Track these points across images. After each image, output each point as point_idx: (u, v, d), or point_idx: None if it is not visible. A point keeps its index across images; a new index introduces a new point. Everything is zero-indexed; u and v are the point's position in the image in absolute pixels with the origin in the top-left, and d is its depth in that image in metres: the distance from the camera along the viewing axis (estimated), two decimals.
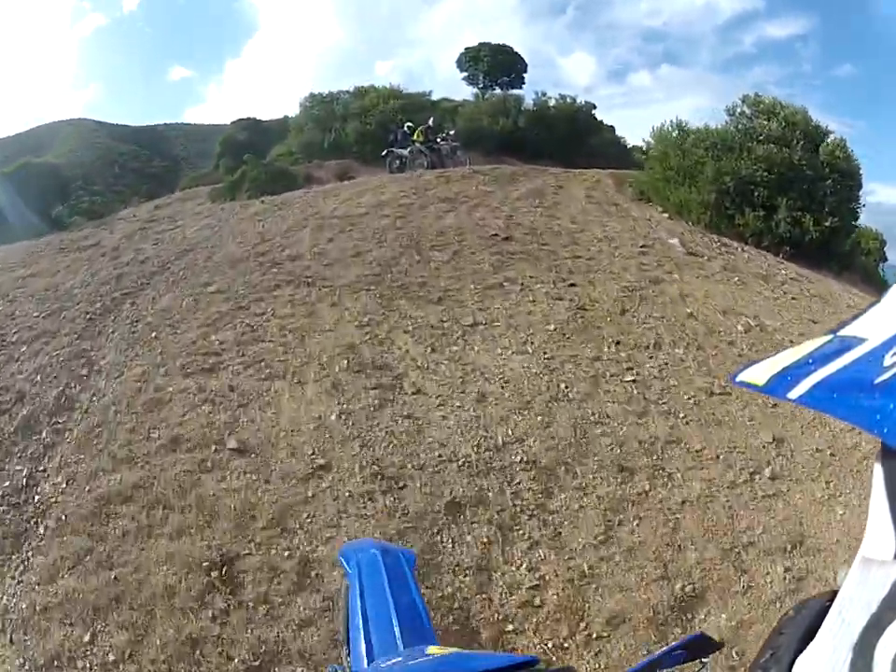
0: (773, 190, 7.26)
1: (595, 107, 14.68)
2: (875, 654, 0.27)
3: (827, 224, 7.02)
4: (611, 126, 15.08)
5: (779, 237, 7.03)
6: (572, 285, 4.99)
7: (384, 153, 11.12)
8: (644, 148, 9.68)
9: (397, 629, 1.16)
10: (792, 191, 7.25)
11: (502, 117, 13.05)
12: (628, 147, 14.87)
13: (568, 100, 14.36)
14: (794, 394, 0.28)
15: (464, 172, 9.20)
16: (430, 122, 11.30)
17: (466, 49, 16.21)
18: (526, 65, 16.12)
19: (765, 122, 7.86)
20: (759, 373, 0.31)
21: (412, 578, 1.35)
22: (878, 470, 0.29)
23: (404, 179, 8.94)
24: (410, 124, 11.43)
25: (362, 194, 7.93)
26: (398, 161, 11.00)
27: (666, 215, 7.75)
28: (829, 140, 8.01)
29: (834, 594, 0.32)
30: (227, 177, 10.66)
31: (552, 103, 14.11)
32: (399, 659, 0.94)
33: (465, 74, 16.03)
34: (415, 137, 10.99)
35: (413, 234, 6.04)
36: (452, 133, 11.37)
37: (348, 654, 1.34)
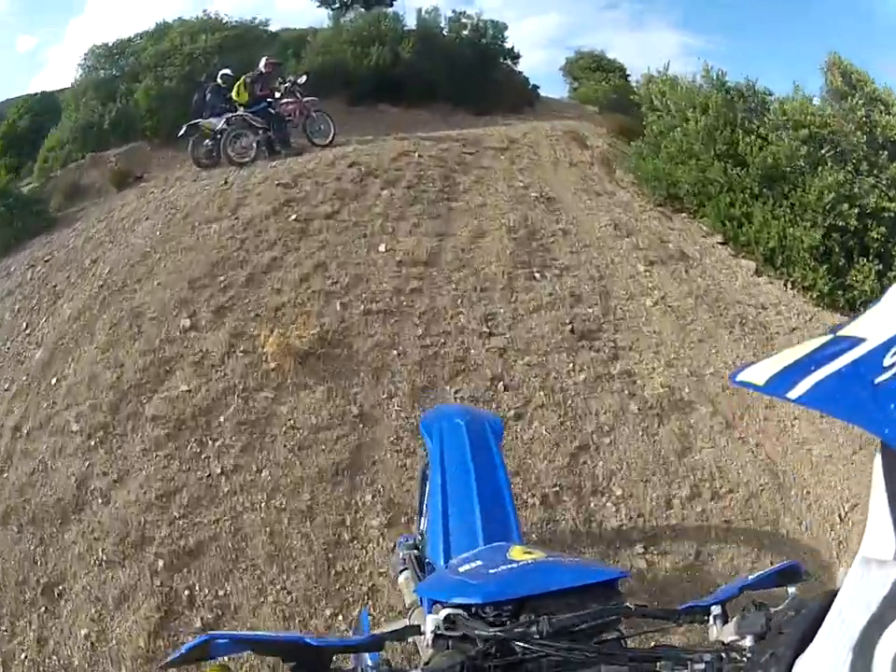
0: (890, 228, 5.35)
1: (506, 29, 12.00)
2: (875, 654, 0.29)
3: None
4: (516, 56, 12.61)
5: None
6: None
7: (182, 130, 7.09)
8: (651, 103, 7.04)
9: (478, 518, 1.16)
10: None
11: (375, 45, 10.04)
12: (537, 89, 12.90)
13: (467, 20, 11.63)
14: (794, 394, 0.30)
15: (329, 157, 6.17)
16: (262, 66, 7.55)
17: None
18: None
19: (884, 113, 5.66)
20: (758, 373, 0.33)
21: (497, 454, 1.34)
22: (878, 470, 0.31)
23: (216, 188, 5.66)
24: (226, 72, 7.68)
25: (125, 242, 5.01)
26: (207, 143, 7.07)
27: (748, 262, 5.42)
28: None
29: (834, 594, 0.34)
30: None
31: (442, 23, 11.52)
32: (479, 563, 0.92)
33: None
34: (236, 96, 7.31)
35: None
36: (300, 80, 7.75)
37: (420, 527, 1.38)
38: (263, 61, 7.59)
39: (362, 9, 11.53)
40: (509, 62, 12.38)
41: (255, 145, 6.95)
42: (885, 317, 0.31)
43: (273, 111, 7.26)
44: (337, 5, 12.04)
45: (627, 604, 0.80)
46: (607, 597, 0.81)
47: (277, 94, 7.46)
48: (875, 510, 0.31)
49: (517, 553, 0.91)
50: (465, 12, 11.85)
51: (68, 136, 8.84)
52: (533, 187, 6.10)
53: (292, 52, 10.37)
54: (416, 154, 6.24)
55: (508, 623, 0.75)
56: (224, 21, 10.26)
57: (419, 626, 0.75)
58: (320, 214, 4.89)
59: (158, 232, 4.87)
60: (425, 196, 5.39)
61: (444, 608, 0.76)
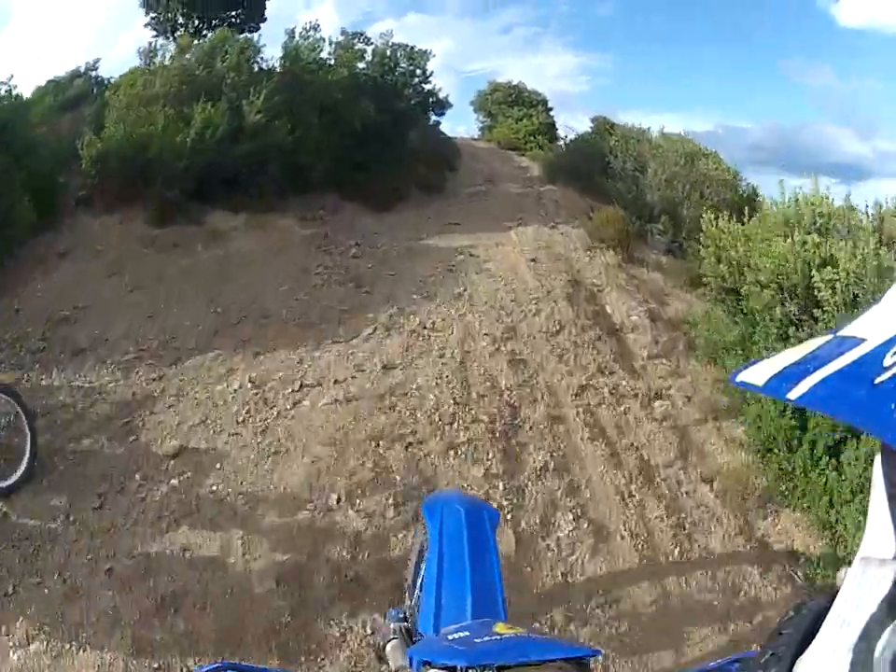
0: None
1: (427, 59, 8.16)
2: (875, 654, 0.29)
3: None
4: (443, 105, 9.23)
5: None
6: None
7: None
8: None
9: (469, 598, 1.25)
10: None
11: (200, 102, 5.52)
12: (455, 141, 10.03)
13: (366, 46, 7.74)
14: (794, 394, 0.30)
15: None
16: None
17: None
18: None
19: None
20: (758, 373, 0.32)
21: (493, 542, 1.44)
22: (878, 470, 0.31)
23: None
24: None
25: None
26: None
27: None
28: None
29: (834, 594, 0.34)
30: None
31: (325, 52, 7.11)
32: (467, 634, 1.01)
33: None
34: None
35: None
36: None
37: (410, 603, 1.47)
38: None
39: (207, 33, 7.23)
40: (432, 115, 8.81)
41: None
42: (885, 317, 0.31)
43: None
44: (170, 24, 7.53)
45: None
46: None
47: None
48: (875, 510, 0.31)
49: (501, 628, 1.03)
50: (363, 34, 7.78)
51: None
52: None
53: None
54: None
55: None
56: None
57: None
58: None
59: None
60: None
61: (432, 668, 0.85)
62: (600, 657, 1.02)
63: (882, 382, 0.27)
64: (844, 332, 0.32)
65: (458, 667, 0.86)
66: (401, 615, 1.55)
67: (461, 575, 1.32)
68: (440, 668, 0.85)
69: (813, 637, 0.37)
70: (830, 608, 0.35)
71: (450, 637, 1.01)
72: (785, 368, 0.32)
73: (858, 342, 0.30)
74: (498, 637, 0.98)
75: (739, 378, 0.34)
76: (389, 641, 1.45)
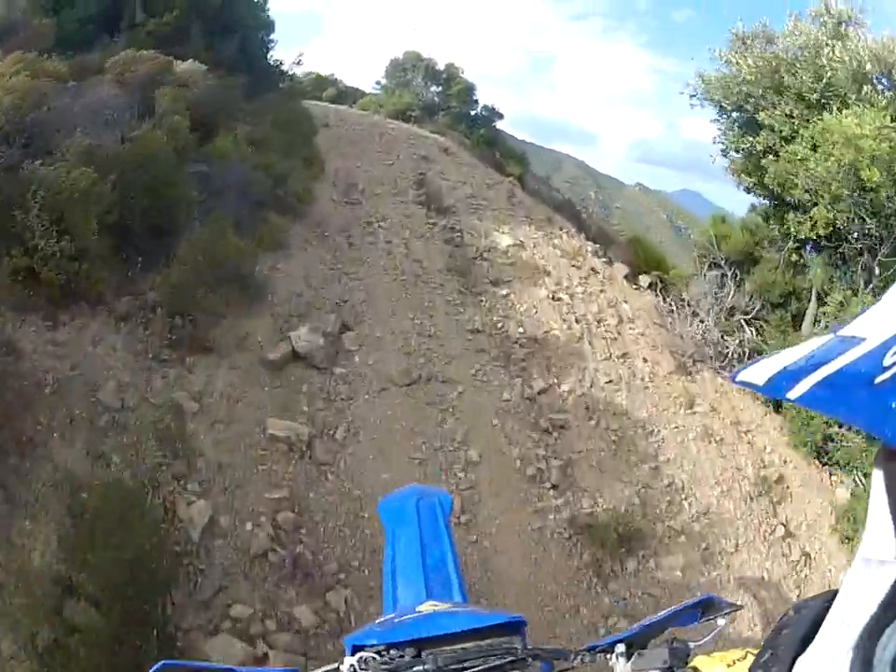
0: None
1: None
2: (875, 654, 0.29)
3: None
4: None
5: None
6: None
7: None
8: None
9: (422, 583, 1.29)
10: None
11: None
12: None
13: None
14: (794, 394, 0.29)
15: None
16: None
17: None
18: None
19: None
20: (759, 373, 0.32)
21: (444, 526, 1.48)
22: (878, 471, 0.31)
23: None
24: None
25: None
26: None
27: None
28: None
29: (834, 594, 0.35)
30: None
31: None
32: (392, 615, 1.08)
33: None
34: None
35: None
36: None
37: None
38: None
39: None
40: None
41: None
42: (885, 317, 0.31)
43: None
44: None
45: (516, 645, 0.89)
46: (501, 639, 0.91)
47: None
48: (875, 510, 0.31)
49: (425, 606, 1.08)
50: None
51: None
52: None
53: None
54: None
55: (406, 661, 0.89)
56: None
57: (338, 667, 0.87)
58: None
59: None
60: None
61: (360, 651, 0.88)
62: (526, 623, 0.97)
63: (882, 382, 0.26)
64: (844, 332, 0.32)
65: (381, 649, 0.89)
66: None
67: (415, 566, 1.35)
68: (368, 651, 0.88)
69: (813, 637, 0.37)
70: (830, 608, 0.35)
71: (377, 621, 1.07)
72: (785, 367, 0.32)
73: (858, 341, 0.30)
74: (418, 614, 1.02)
75: (740, 377, 0.34)
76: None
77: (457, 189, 7.97)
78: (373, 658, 0.87)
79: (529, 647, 0.89)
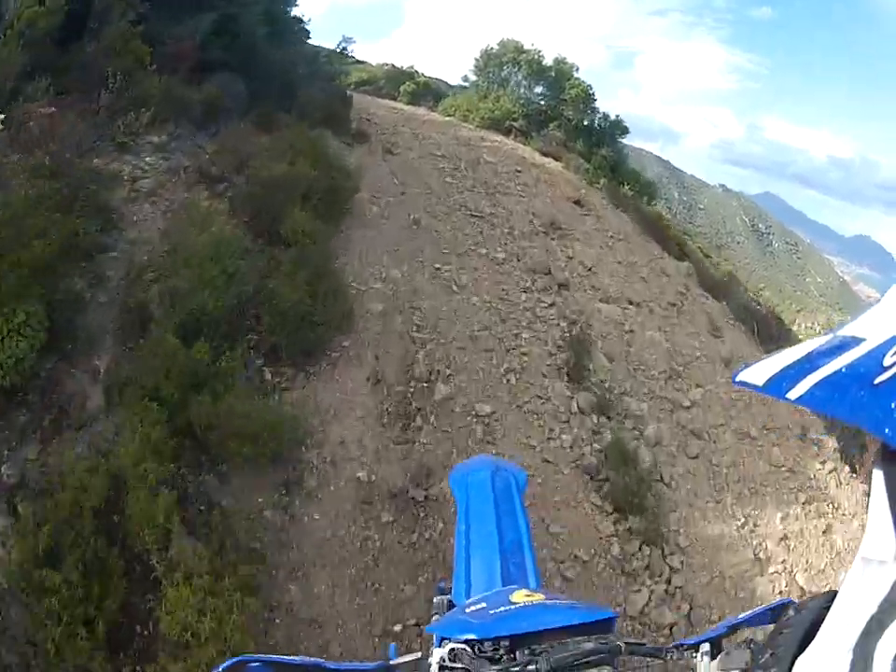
0: None
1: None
2: (875, 654, 0.29)
3: None
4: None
5: None
6: None
7: None
8: None
9: (498, 564, 1.26)
10: None
11: None
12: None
13: None
14: (794, 394, 0.29)
15: None
16: None
17: None
18: None
19: None
20: (759, 373, 0.32)
21: (520, 504, 1.44)
22: (878, 471, 0.32)
23: None
24: None
25: None
26: None
27: None
28: None
29: (834, 594, 0.34)
30: None
31: None
32: (483, 605, 1.02)
33: None
34: None
35: None
36: None
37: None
38: None
39: None
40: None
41: None
42: (885, 317, 0.31)
43: None
44: None
45: (618, 642, 0.86)
46: (600, 635, 0.87)
47: None
48: (875, 510, 0.31)
49: (518, 596, 1.01)
50: None
51: None
52: None
53: None
54: None
55: (504, 658, 0.83)
56: None
57: (427, 659, 0.85)
58: None
59: None
60: None
61: (450, 643, 0.85)
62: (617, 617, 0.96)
63: (882, 382, 0.26)
64: (843, 332, 0.32)
65: (474, 642, 0.86)
66: (444, 588, 1.56)
67: (490, 544, 1.31)
68: (456, 643, 0.85)
69: (813, 636, 0.37)
70: (830, 608, 0.35)
71: (467, 611, 1.02)
72: (785, 367, 0.32)
73: (857, 341, 0.30)
74: (513, 606, 0.97)
75: (739, 378, 0.34)
76: (433, 616, 1.48)
77: (622, 320, 4.81)
78: (466, 651, 0.84)
79: (629, 641, 0.87)
